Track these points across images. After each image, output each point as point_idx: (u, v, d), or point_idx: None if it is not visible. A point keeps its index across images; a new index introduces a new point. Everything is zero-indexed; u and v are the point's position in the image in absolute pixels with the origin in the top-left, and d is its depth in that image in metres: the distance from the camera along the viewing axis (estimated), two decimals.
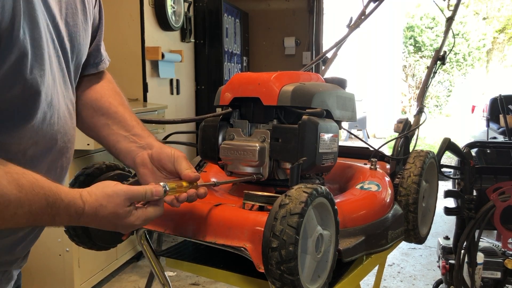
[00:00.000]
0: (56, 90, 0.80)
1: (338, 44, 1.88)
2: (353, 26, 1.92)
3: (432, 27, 14.92)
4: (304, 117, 1.06)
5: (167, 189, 0.84)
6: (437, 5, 1.98)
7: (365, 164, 1.38)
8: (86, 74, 0.99)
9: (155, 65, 3.68)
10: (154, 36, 3.66)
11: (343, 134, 8.25)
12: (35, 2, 0.70)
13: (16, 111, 0.73)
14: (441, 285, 2.38)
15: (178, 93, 4.11)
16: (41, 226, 0.76)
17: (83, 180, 1.08)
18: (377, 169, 1.33)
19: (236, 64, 5.03)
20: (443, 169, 1.65)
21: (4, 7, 0.65)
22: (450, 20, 1.92)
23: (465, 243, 1.88)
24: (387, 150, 1.66)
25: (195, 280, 3.11)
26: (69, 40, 0.83)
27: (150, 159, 0.95)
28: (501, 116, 4.27)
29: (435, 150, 1.63)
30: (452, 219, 2.06)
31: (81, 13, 0.87)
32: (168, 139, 1.40)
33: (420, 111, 1.62)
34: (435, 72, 1.78)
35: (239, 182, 1.09)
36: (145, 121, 1.19)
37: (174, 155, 0.93)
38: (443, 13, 1.95)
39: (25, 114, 0.74)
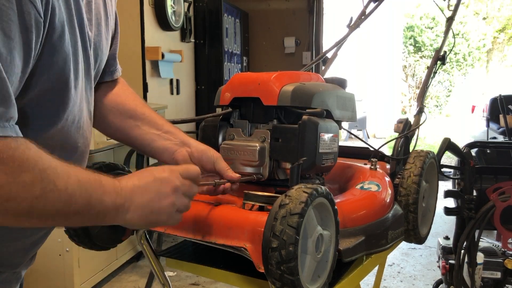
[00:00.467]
0: (83, 96, 0.81)
1: (338, 44, 1.88)
2: (353, 26, 1.93)
3: (432, 27, 14.92)
4: (304, 117, 1.06)
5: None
6: (437, 5, 1.99)
7: (365, 164, 1.38)
8: (102, 81, 1.00)
9: (155, 65, 3.68)
10: (154, 36, 3.66)
11: (343, 134, 8.25)
12: (73, 10, 0.73)
13: (49, 113, 0.74)
14: (441, 285, 2.38)
15: (178, 93, 4.11)
16: (88, 210, 0.72)
17: None
18: (377, 169, 1.33)
19: (236, 64, 5.03)
20: (443, 169, 1.65)
21: (59, 18, 0.68)
22: (450, 20, 1.92)
23: (465, 243, 1.88)
24: (387, 150, 1.66)
25: (195, 280, 3.11)
26: (93, 48, 0.85)
27: (190, 157, 1.00)
28: (501, 116, 4.28)
29: (435, 150, 1.63)
30: (452, 219, 2.06)
31: (104, 23, 0.89)
32: None
33: (420, 111, 1.62)
34: (435, 72, 1.78)
35: (239, 182, 1.09)
36: None
37: (213, 156, 1.01)
38: (443, 13, 1.95)
39: (57, 116, 0.75)
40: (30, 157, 0.62)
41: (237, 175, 1.01)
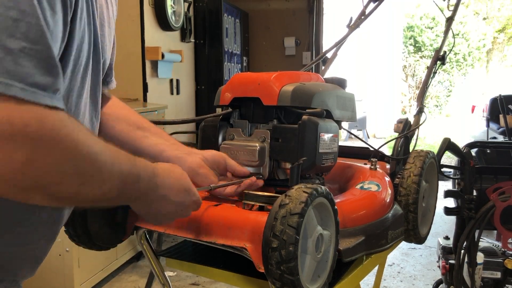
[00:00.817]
0: (88, 89, 0.80)
1: (338, 44, 1.88)
2: (353, 26, 1.93)
3: (432, 27, 14.92)
4: (304, 117, 1.06)
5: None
6: (437, 5, 1.98)
7: (365, 164, 1.38)
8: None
9: (155, 65, 3.68)
10: (154, 36, 3.65)
11: (343, 134, 8.25)
12: (95, 14, 0.74)
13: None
14: (441, 285, 2.38)
15: (178, 93, 4.11)
16: (125, 197, 0.73)
17: None
18: (377, 169, 1.33)
19: (236, 64, 5.02)
20: (443, 169, 1.65)
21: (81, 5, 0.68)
22: (450, 20, 1.92)
23: (465, 243, 1.88)
24: (387, 150, 1.66)
25: (195, 280, 3.11)
26: (102, 52, 0.84)
27: (205, 162, 1.04)
28: (501, 116, 4.27)
29: (435, 150, 1.63)
30: (452, 219, 2.06)
31: (107, 25, 0.88)
32: None
33: (420, 111, 1.62)
34: (435, 72, 1.78)
35: (236, 184, 1.08)
36: None
37: (223, 157, 1.07)
38: (443, 13, 1.95)
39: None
40: (80, 139, 0.60)
41: (247, 170, 1.08)
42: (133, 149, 1.02)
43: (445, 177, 1.68)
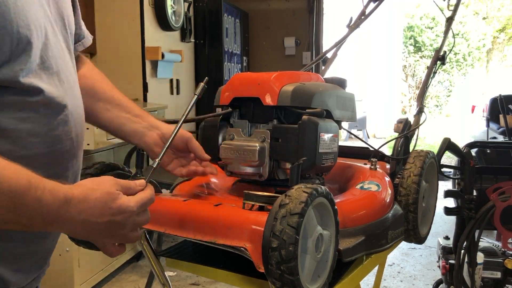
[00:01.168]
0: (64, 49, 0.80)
1: (338, 44, 1.88)
2: (353, 26, 1.93)
3: (432, 27, 14.92)
4: (304, 117, 1.06)
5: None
6: (437, 5, 1.98)
7: (365, 164, 1.38)
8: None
9: (155, 65, 3.68)
10: (154, 36, 3.65)
11: (343, 134, 8.25)
12: None
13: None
14: (441, 285, 2.38)
15: (178, 93, 4.11)
16: (27, 221, 0.65)
17: None
18: (377, 169, 1.33)
19: (236, 64, 5.02)
20: (443, 169, 1.65)
21: None
22: (450, 20, 1.92)
23: (465, 243, 1.88)
24: (387, 150, 1.66)
25: (195, 280, 3.11)
26: (59, 12, 0.82)
27: (161, 140, 1.02)
28: (501, 116, 4.27)
29: (435, 150, 1.63)
30: (452, 219, 2.06)
31: None
32: None
33: (420, 111, 1.62)
34: (435, 72, 1.78)
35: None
36: None
37: (185, 136, 1.04)
38: (443, 13, 1.95)
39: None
40: None
41: (208, 156, 1.06)
42: (94, 122, 1.01)
43: (445, 177, 1.68)
